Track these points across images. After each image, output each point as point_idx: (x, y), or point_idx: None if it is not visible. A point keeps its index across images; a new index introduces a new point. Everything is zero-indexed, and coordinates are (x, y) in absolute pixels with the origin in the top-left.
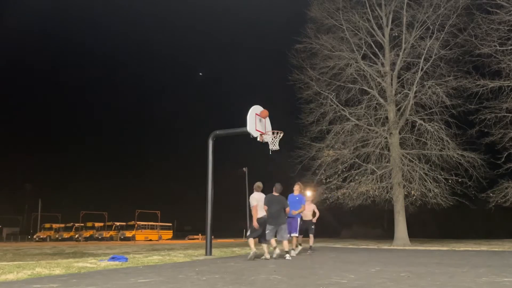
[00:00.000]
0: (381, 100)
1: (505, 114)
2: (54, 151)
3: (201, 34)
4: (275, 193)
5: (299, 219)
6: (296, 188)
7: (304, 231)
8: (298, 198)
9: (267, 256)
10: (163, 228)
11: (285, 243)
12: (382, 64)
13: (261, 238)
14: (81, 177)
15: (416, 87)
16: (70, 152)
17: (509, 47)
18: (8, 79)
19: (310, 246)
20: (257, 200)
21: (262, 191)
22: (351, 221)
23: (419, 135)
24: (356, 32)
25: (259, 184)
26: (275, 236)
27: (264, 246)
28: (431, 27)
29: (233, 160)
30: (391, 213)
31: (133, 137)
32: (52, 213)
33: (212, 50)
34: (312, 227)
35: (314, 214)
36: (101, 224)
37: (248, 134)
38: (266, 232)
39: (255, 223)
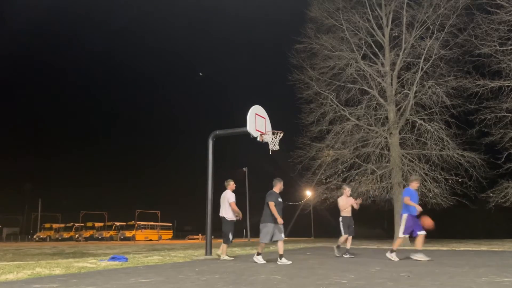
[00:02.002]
0: (381, 100)
1: (505, 114)
2: (54, 151)
3: (201, 33)
4: None
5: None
6: (415, 184)
7: (350, 230)
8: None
9: (225, 257)
10: (163, 228)
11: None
12: (382, 64)
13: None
14: (81, 177)
15: (416, 87)
16: (70, 152)
17: (509, 47)
18: (8, 79)
19: (338, 246)
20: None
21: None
22: None
23: (419, 135)
24: (356, 32)
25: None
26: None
27: (224, 246)
28: (431, 27)
29: (233, 160)
30: (391, 213)
31: (133, 137)
32: (52, 213)
33: (212, 50)
34: (353, 226)
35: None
36: (101, 224)
37: (248, 134)
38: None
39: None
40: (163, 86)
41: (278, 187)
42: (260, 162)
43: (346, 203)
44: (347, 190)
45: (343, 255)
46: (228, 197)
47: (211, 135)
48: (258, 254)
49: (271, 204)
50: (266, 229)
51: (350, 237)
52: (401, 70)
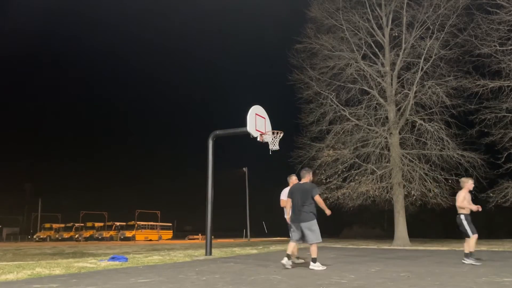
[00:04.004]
0: (381, 100)
1: (505, 114)
2: (54, 151)
3: (202, 33)
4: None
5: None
6: None
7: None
8: None
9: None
10: (163, 228)
11: (312, 248)
12: (382, 64)
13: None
14: (81, 177)
15: (416, 87)
16: (70, 152)
17: (509, 47)
18: (8, 79)
19: (470, 252)
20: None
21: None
22: (351, 221)
23: (419, 135)
24: (356, 32)
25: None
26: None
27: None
28: (431, 27)
29: (233, 160)
30: (391, 213)
31: (133, 137)
32: (52, 213)
33: (212, 50)
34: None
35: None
36: (101, 224)
37: (248, 134)
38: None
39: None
40: (163, 86)
41: (307, 178)
42: (260, 162)
43: (469, 198)
44: (470, 183)
45: (463, 261)
46: (281, 194)
47: (211, 135)
48: (315, 260)
49: (319, 197)
50: (317, 226)
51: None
52: (401, 70)
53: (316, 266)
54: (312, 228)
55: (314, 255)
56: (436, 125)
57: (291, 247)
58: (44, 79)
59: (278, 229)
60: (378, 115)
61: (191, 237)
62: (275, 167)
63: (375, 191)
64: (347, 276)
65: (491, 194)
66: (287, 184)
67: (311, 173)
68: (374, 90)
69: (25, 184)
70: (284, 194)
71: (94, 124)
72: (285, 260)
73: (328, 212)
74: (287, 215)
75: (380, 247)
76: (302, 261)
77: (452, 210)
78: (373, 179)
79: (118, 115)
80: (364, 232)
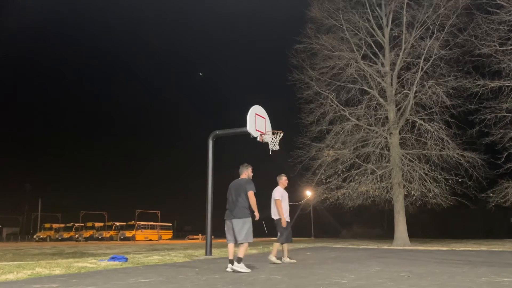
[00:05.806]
0: (381, 100)
1: (505, 114)
2: (54, 151)
3: (201, 33)
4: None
5: None
6: None
7: None
8: None
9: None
10: (163, 228)
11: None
12: (382, 64)
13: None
14: (81, 177)
15: (416, 87)
16: (70, 152)
17: (509, 47)
18: (8, 79)
19: None
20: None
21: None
22: (351, 221)
23: (419, 135)
24: (356, 32)
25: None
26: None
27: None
28: (431, 27)
29: (233, 160)
30: (391, 213)
31: (133, 137)
32: (52, 213)
33: (212, 50)
34: None
35: None
36: (101, 224)
37: (248, 134)
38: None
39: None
40: (163, 86)
41: (245, 174)
42: (260, 162)
43: None
44: None
45: None
46: (273, 195)
47: (211, 135)
48: (240, 260)
49: (252, 195)
50: (250, 225)
51: None
52: (401, 70)
53: (240, 267)
54: (244, 226)
55: (241, 255)
56: (436, 125)
57: (231, 250)
58: (44, 79)
59: None
60: (378, 115)
61: (191, 237)
62: (275, 166)
63: (375, 191)
64: (347, 276)
65: (491, 194)
66: (277, 184)
67: (250, 169)
68: (374, 90)
69: (25, 184)
70: (277, 194)
71: (94, 124)
72: (229, 268)
73: (257, 215)
74: (276, 215)
75: (380, 247)
76: (294, 261)
77: (452, 210)
78: (373, 179)
79: (118, 115)
80: (364, 232)
